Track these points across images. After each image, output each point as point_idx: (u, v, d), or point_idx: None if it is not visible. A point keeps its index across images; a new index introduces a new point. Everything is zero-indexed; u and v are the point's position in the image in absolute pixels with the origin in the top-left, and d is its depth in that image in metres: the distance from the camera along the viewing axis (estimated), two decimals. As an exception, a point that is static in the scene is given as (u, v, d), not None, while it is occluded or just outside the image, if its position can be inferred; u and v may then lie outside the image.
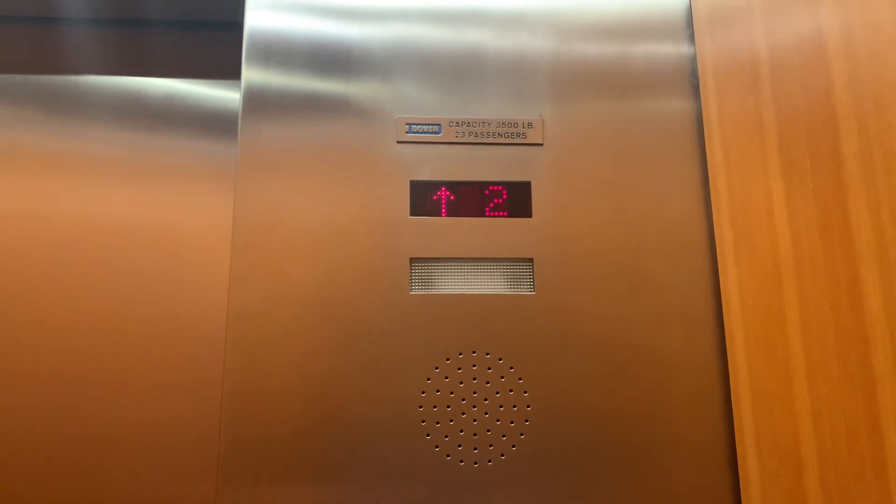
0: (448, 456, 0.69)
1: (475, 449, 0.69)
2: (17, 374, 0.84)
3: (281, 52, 0.77)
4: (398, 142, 0.75)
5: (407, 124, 0.76)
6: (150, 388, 0.85)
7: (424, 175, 0.75)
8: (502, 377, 0.71)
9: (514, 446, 0.69)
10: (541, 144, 0.76)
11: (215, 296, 0.87)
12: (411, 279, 0.72)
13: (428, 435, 0.69)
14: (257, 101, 0.76)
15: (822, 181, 0.60)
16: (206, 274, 0.88)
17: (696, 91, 0.79)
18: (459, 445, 0.69)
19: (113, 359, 0.85)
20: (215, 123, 0.93)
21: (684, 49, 0.80)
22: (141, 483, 0.82)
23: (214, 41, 0.93)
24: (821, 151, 0.60)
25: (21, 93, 0.91)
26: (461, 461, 0.69)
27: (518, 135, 0.76)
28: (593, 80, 0.79)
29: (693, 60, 0.79)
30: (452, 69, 0.78)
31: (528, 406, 0.70)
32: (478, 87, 0.78)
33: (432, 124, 0.76)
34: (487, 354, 0.71)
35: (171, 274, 0.88)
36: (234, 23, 0.82)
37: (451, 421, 0.69)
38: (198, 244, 0.89)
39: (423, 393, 0.70)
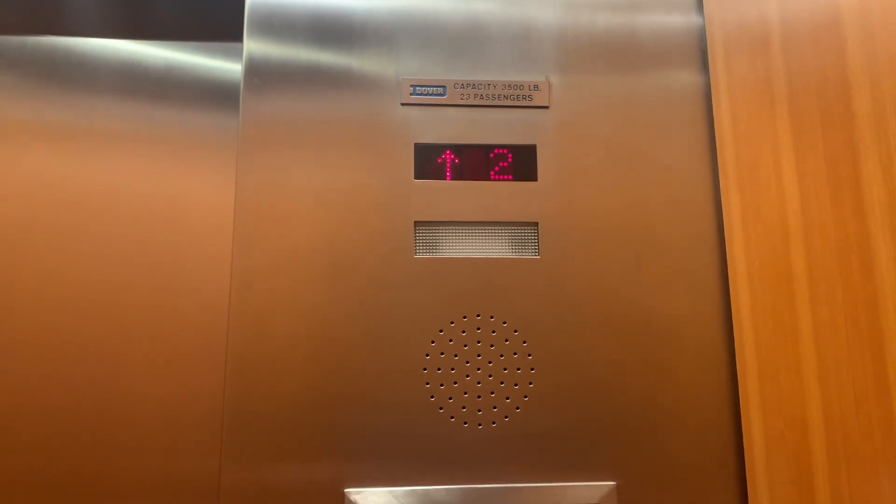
0: (452, 418, 0.68)
1: (479, 411, 0.69)
2: (19, 344, 0.84)
3: (283, 21, 0.76)
4: (402, 104, 0.74)
5: (411, 86, 0.75)
6: (154, 359, 0.84)
7: (429, 138, 0.74)
8: (506, 340, 0.70)
9: (517, 408, 0.69)
10: (547, 107, 0.75)
11: (220, 266, 0.86)
12: (416, 243, 0.72)
13: (432, 397, 0.69)
14: (259, 70, 0.75)
15: (833, 140, 0.59)
16: (211, 242, 0.87)
17: (703, 57, 0.78)
18: (463, 407, 0.69)
19: (116, 330, 0.85)
20: (218, 89, 0.92)
21: (692, 16, 0.79)
22: (143, 457, 0.82)
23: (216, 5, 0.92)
24: (832, 110, 0.59)
25: (18, 55, 0.90)
26: (465, 423, 0.68)
27: (524, 97, 0.75)
28: (600, 45, 0.77)
29: (701, 27, 0.78)
30: (457, 35, 0.77)
31: (532, 369, 0.70)
32: (483, 52, 0.77)
33: (437, 86, 0.75)
34: (492, 318, 0.71)
35: (174, 243, 0.87)
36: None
37: (456, 383, 0.69)
38: (203, 211, 0.88)
39: (427, 356, 0.69)
